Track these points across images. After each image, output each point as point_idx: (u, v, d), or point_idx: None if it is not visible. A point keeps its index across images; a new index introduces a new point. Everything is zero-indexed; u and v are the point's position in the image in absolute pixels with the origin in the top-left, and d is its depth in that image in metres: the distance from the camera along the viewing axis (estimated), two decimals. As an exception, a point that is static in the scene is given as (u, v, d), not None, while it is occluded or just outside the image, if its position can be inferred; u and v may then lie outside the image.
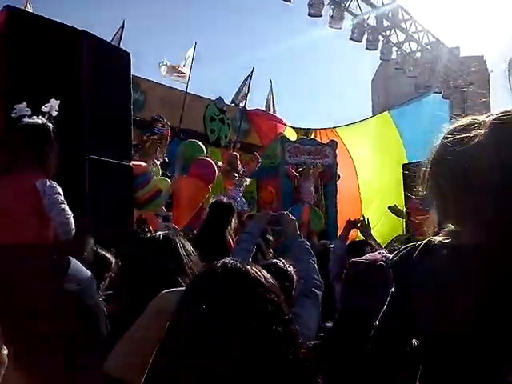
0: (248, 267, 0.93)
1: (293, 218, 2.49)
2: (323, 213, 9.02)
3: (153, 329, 1.18)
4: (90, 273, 2.44)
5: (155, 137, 6.32)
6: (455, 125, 1.09)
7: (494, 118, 1.00)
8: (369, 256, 1.54)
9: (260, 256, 3.03)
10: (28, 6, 8.81)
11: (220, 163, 7.48)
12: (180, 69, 9.10)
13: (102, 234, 3.30)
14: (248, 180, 7.97)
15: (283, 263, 2.16)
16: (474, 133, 1.01)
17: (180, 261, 1.54)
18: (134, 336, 1.22)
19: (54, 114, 2.49)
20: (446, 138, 1.09)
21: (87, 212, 3.45)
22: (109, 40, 8.40)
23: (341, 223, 9.11)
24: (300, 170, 8.94)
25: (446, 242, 1.07)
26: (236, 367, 0.86)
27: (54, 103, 2.50)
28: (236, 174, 7.76)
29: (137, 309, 1.31)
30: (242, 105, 10.56)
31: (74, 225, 2.33)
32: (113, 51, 4.00)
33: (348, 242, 3.58)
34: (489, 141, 0.98)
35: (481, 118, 1.05)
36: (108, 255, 2.70)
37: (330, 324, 1.72)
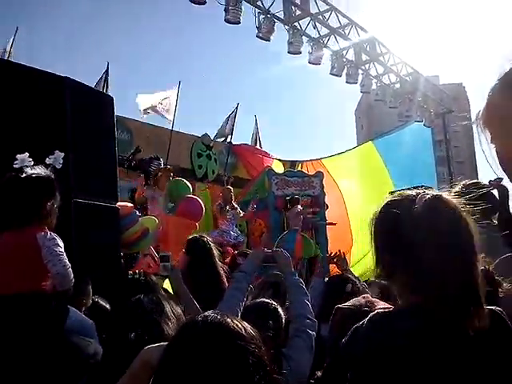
0: (228, 320, 0.94)
1: (287, 255, 2.49)
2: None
3: (138, 382, 1.17)
4: (91, 321, 2.38)
5: (168, 167, 6.45)
6: (395, 196, 1.27)
7: (425, 198, 1.17)
8: (354, 301, 1.55)
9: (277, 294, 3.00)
10: (9, 50, 8.96)
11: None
12: (157, 107, 9.16)
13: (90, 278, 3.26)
14: (241, 213, 8.01)
15: (270, 302, 2.15)
16: (408, 204, 1.19)
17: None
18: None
19: (59, 166, 2.42)
20: (387, 204, 1.25)
21: (74, 256, 3.40)
22: (95, 83, 8.57)
23: (331, 252, 9.05)
24: (288, 198, 8.92)
25: (386, 311, 1.18)
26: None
27: (58, 155, 2.43)
28: (229, 208, 7.79)
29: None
30: (228, 140, 10.72)
31: (72, 276, 2.28)
32: (95, 96, 4.05)
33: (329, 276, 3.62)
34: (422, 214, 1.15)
35: (413, 192, 1.22)
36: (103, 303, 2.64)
37: (319, 373, 1.71)
